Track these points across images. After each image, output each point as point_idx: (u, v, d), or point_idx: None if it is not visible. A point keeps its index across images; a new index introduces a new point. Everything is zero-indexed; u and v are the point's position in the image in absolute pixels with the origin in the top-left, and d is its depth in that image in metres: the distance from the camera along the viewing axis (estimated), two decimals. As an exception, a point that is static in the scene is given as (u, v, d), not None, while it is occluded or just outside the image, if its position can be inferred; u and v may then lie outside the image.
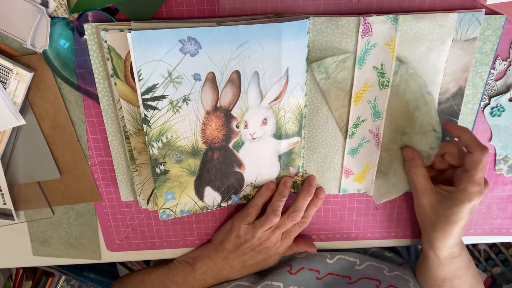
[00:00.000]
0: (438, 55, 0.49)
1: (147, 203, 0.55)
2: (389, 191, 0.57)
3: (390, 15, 0.46)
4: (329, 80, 0.50)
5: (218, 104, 0.49)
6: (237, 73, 0.47)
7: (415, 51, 0.48)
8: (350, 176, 0.57)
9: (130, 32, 0.42)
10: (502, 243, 0.99)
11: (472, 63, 0.50)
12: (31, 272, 0.87)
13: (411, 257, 0.74)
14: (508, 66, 0.51)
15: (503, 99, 0.53)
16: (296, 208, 0.56)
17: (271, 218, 0.55)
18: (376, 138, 0.54)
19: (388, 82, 0.50)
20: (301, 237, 0.61)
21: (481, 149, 0.47)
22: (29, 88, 0.50)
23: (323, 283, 0.58)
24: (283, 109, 0.51)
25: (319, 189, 0.58)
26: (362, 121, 0.53)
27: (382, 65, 0.49)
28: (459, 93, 0.52)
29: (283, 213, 0.56)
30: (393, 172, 0.55)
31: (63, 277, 0.88)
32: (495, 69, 0.51)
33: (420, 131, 0.52)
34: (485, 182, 0.50)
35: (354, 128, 0.53)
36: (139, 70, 0.44)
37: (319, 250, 0.64)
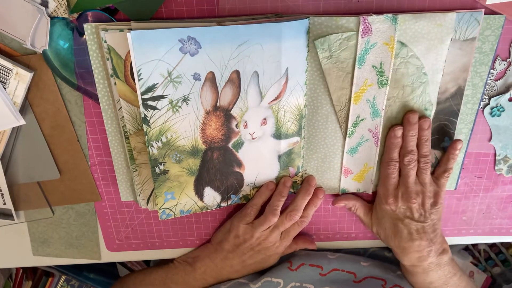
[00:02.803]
0: (436, 54, 0.49)
1: (147, 203, 0.55)
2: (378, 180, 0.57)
3: (390, 15, 0.47)
4: (331, 59, 0.49)
5: (218, 104, 0.49)
6: (237, 73, 0.47)
7: (414, 51, 0.49)
8: (349, 175, 0.57)
9: (130, 32, 0.42)
10: (502, 243, 0.99)
11: (471, 63, 0.50)
12: (31, 272, 0.87)
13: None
14: (508, 66, 0.51)
15: (503, 99, 0.53)
16: (295, 208, 0.56)
17: (269, 218, 0.55)
18: (375, 137, 0.54)
19: (387, 80, 0.50)
20: (300, 235, 0.61)
21: (385, 165, 0.54)
22: (28, 88, 0.50)
23: (328, 279, 0.57)
24: (283, 109, 0.51)
25: (318, 189, 0.58)
26: (362, 120, 0.53)
27: (381, 64, 0.49)
28: (458, 93, 0.52)
29: (281, 212, 0.56)
30: None
31: (63, 277, 0.88)
32: (495, 69, 0.51)
33: None
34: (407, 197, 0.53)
35: (354, 127, 0.53)
36: (139, 70, 0.44)
37: (319, 250, 0.64)
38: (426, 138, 0.52)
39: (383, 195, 0.55)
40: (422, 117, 0.52)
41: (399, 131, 0.52)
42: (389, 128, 0.53)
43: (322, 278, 0.57)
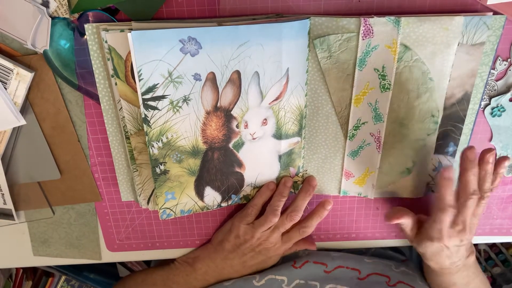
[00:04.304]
0: (442, 59, 0.48)
1: (148, 203, 0.55)
2: (382, 185, 0.57)
3: (392, 17, 0.46)
4: (330, 59, 0.48)
5: (219, 104, 0.49)
6: (238, 73, 0.47)
7: (418, 55, 0.48)
8: (350, 178, 0.57)
9: (130, 32, 0.42)
10: (502, 243, 0.99)
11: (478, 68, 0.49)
12: (31, 272, 0.87)
13: (413, 254, 0.74)
14: (509, 66, 0.51)
15: (504, 99, 0.53)
16: (295, 208, 0.56)
17: (270, 218, 0.55)
18: (377, 142, 0.53)
19: (390, 85, 0.50)
20: None
21: (441, 210, 0.49)
22: (29, 88, 0.50)
23: (333, 276, 0.57)
24: (284, 109, 0.51)
25: (326, 200, 0.56)
26: (363, 123, 0.53)
27: (383, 67, 0.49)
28: (465, 99, 0.51)
29: (282, 213, 0.56)
30: (387, 166, 0.56)
31: (63, 277, 0.88)
32: (496, 69, 0.51)
33: (418, 119, 0.52)
34: (459, 230, 0.50)
35: (355, 130, 0.53)
36: (140, 70, 0.44)
37: (320, 250, 0.64)
38: (489, 172, 0.49)
39: (436, 238, 0.51)
40: (487, 150, 0.48)
41: (450, 173, 0.48)
42: (391, 133, 0.53)
43: (326, 275, 0.57)
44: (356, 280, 0.57)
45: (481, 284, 0.58)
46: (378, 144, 0.53)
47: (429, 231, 0.52)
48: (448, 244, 0.51)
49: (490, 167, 0.49)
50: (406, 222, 0.54)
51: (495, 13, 0.48)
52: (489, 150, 0.48)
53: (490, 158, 0.49)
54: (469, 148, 0.49)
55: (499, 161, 0.51)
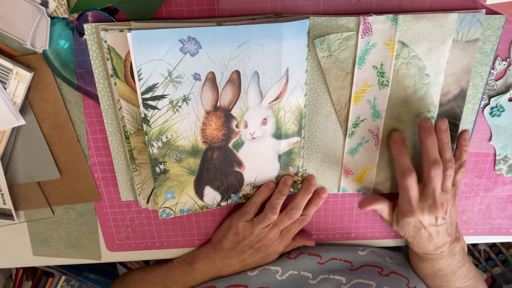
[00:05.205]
0: (438, 55, 0.49)
1: (147, 202, 0.55)
2: (380, 181, 0.57)
3: (390, 15, 0.46)
4: (330, 58, 0.49)
5: (218, 104, 0.49)
6: (237, 73, 0.47)
7: (415, 51, 0.48)
8: (349, 176, 0.57)
9: (130, 32, 0.42)
10: (502, 243, 0.99)
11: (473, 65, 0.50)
12: (31, 272, 0.87)
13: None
14: (508, 66, 0.51)
15: (503, 99, 0.53)
16: (295, 206, 0.56)
17: (269, 215, 0.55)
18: (375, 138, 0.54)
19: (388, 81, 0.50)
20: (298, 232, 0.61)
21: (400, 177, 0.50)
22: (29, 88, 0.50)
23: (326, 268, 0.58)
24: (283, 109, 0.51)
25: (321, 189, 0.58)
26: (362, 120, 0.53)
27: (381, 64, 0.49)
28: (461, 95, 0.51)
29: (281, 211, 0.56)
30: (385, 162, 0.56)
31: (63, 277, 0.88)
32: (495, 69, 0.52)
33: (415, 114, 0.52)
34: (432, 204, 0.49)
35: (354, 127, 0.53)
36: (139, 70, 0.44)
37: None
38: (446, 141, 0.49)
39: (407, 211, 0.51)
40: (439, 119, 0.50)
41: (397, 136, 0.51)
42: (389, 131, 0.53)
43: (320, 267, 0.58)
44: (348, 270, 0.57)
45: (468, 273, 0.57)
46: (376, 141, 0.54)
47: (401, 206, 0.52)
48: (422, 219, 0.50)
49: (445, 135, 0.49)
50: (381, 208, 0.55)
51: (495, 13, 0.48)
52: (441, 119, 0.50)
53: (442, 126, 0.49)
54: (424, 118, 0.50)
55: (460, 134, 0.52)
